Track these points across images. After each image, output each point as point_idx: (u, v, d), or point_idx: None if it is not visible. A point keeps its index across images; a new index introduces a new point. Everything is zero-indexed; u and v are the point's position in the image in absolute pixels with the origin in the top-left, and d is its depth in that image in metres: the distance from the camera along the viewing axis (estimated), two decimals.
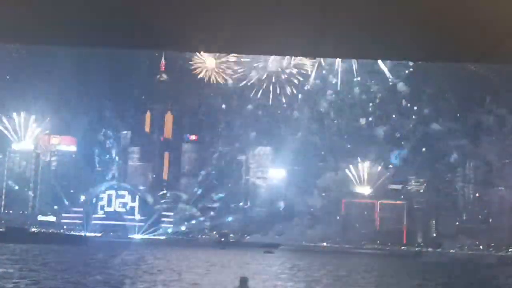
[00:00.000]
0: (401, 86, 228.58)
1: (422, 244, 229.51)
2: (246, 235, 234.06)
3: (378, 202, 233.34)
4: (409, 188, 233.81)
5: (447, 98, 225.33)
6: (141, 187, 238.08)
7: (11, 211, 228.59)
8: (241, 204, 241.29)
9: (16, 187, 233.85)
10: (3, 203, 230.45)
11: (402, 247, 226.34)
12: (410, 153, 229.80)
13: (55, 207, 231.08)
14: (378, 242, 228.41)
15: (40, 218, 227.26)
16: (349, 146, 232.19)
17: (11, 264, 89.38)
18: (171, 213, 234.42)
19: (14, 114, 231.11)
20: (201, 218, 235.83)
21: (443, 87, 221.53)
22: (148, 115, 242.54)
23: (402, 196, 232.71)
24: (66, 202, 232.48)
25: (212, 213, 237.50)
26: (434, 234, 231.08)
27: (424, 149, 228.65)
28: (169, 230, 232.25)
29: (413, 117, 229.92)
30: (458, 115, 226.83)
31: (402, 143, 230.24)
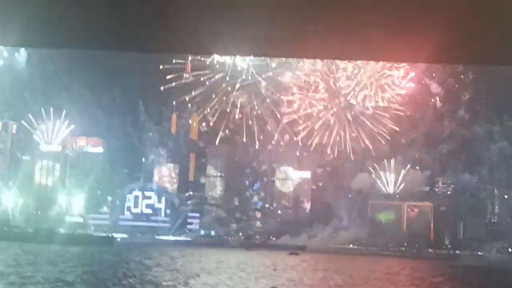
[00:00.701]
0: (434, 87, 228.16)
1: (449, 246, 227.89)
2: (271, 237, 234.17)
3: (405, 203, 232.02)
4: (436, 190, 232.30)
5: (478, 100, 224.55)
6: (167, 189, 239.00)
7: (39, 212, 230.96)
8: (266, 205, 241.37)
9: (44, 189, 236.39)
10: (31, 204, 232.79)
11: (429, 250, 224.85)
12: (438, 155, 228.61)
13: (82, 208, 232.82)
14: (405, 244, 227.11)
15: (68, 219, 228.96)
16: (376, 147, 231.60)
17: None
18: (197, 215, 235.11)
19: (43, 116, 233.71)
20: (227, 220, 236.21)
21: (477, 88, 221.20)
22: (174, 116, 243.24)
23: (430, 198, 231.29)
24: (93, 203, 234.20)
25: (237, 214, 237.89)
26: (462, 236, 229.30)
27: (452, 151, 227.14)
28: (195, 232, 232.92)
29: (445, 119, 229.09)
30: (489, 117, 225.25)
31: (431, 144, 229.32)
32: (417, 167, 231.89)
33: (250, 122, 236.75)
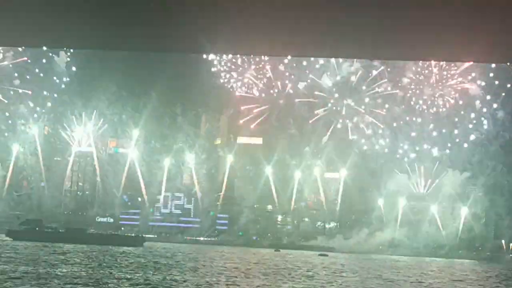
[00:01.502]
0: (474, 86, 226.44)
1: (480, 248, 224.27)
2: (301, 238, 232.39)
3: (437, 205, 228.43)
4: (468, 191, 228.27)
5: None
6: (197, 189, 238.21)
7: (70, 213, 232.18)
8: (295, 206, 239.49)
9: (75, 189, 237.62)
10: (62, 204, 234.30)
11: (460, 251, 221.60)
12: (470, 155, 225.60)
13: (113, 208, 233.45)
14: (435, 246, 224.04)
15: (99, 219, 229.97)
16: (410, 147, 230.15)
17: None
18: (226, 215, 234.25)
19: (75, 117, 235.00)
20: (256, 220, 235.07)
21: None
22: (203, 117, 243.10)
23: (462, 199, 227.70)
24: (124, 204, 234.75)
25: (266, 214, 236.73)
26: (494, 238, 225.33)
27: (486, 151, 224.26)
28: (225, 232, 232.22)
29: (483, 118, 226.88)
30: None
31: (465, 145, 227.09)
32: (449, 168, 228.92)
33: (282, 123, 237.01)
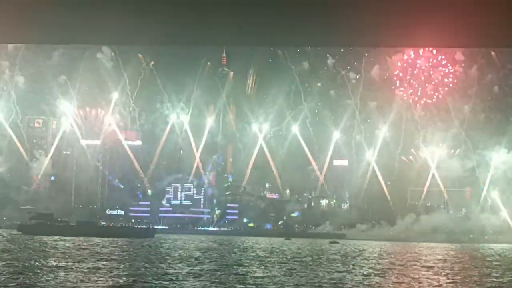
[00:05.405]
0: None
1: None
2: (311, 226, 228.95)
3: (445, 190, 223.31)
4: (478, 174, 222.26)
5: None
6: (206, 180, 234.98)
7: (80, 206, 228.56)
8: (305, 194, 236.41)
9: (85, 182, 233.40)
10: (73, 198, 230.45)
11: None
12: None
13: (123, 201, 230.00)
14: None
15: (109, 212, 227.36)
16: (421, 134, 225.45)
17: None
18: (236, 205, 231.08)
19: (85, 109, 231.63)
20: (266, 209, 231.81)
21: None
22: (211, 108, 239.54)
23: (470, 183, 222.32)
24: (133, 196, 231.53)
25: (276, 203, 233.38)
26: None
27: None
28: (235, 222, 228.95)
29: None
30: None
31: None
32: (456, 152, 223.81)
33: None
